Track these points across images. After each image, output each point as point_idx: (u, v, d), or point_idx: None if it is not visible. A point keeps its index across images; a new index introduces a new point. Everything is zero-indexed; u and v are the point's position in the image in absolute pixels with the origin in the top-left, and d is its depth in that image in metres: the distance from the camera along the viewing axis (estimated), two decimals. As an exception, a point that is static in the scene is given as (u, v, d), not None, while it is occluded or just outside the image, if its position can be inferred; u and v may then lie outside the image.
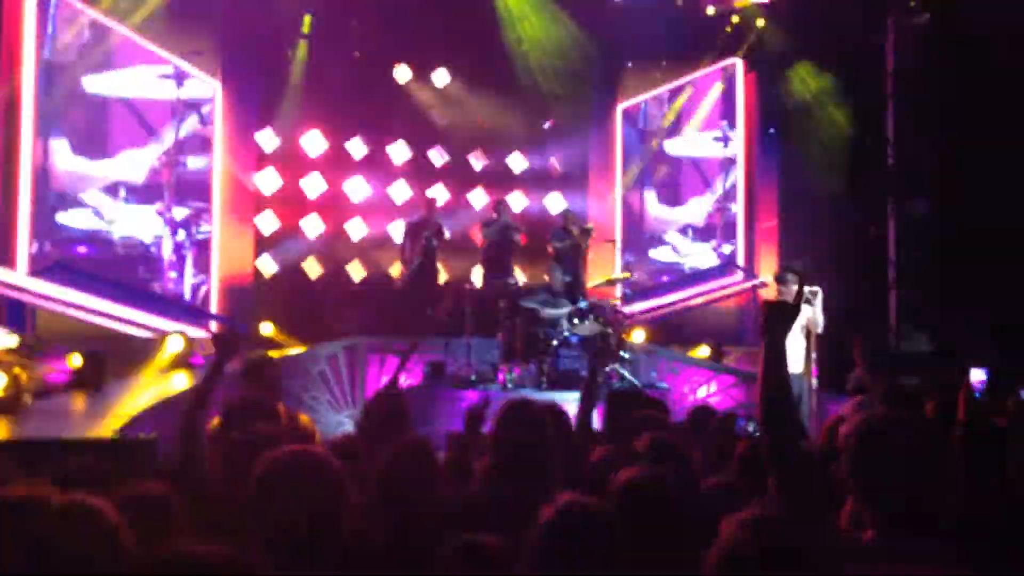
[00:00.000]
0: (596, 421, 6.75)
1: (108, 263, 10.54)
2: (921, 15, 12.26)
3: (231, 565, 1.68)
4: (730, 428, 4.27)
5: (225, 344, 3.55)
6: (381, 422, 3.77)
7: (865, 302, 11.84)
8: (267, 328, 11.04)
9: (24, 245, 9.48)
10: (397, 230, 12.32)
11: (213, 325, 10.94)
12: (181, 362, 9.48)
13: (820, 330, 8.37)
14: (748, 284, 13.43)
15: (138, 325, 10.32)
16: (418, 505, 2.90)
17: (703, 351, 12.06)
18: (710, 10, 13.47)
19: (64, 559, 1.65)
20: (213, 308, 11.46)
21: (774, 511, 2.15)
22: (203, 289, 11.46)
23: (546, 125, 13.66)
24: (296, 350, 10.34)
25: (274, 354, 4.92)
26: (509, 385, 9.65)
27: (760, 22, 13.60)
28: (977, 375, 8.38)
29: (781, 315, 2.99)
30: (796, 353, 8.31)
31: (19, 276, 9.41)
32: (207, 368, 3.56)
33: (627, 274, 12.11)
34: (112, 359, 9.11)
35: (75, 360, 8.78)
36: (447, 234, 11.80)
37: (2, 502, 1.71)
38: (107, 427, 7.20)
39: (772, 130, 13.75)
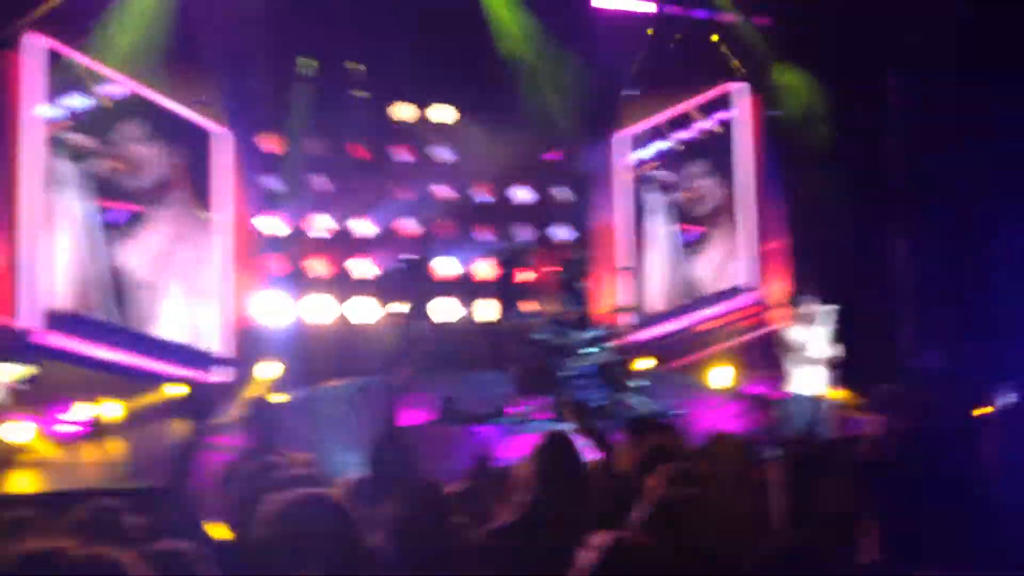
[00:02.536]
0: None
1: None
2: (917, 36, 12.29)
3: None
4: (751, 453, 4.21)
5: (204, 399, 3.52)
6: (388, 464, 3.73)
7: (880, 319, 11.77)
8: (273, 370, 10.99)
9: (31, 298, 9.48)
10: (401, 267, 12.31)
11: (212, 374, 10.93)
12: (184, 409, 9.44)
13: (834, 351, 8.32)
14: (758, 308, 13.35)
15: (145, 372, 10.29)
16: (433, 547, 2.85)
17: (716, 374, 12.00)
18: (712, 35, 13.53)
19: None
20: (222, 352, 11.41)
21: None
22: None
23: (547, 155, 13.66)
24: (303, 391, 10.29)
25: (276, 398, 4.88)
26: (522, 419, 9.58)
27: (761, 45, 13.64)
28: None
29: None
30: (812, 375, 8.25)
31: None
32: (194, 426, 3.52)
33: (633, 306, 12.06)
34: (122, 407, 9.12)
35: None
36: (448, 268, 11.79)
37: (21, 556, 1.68)
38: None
39: (782, 143, 13.75)
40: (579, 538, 2.24)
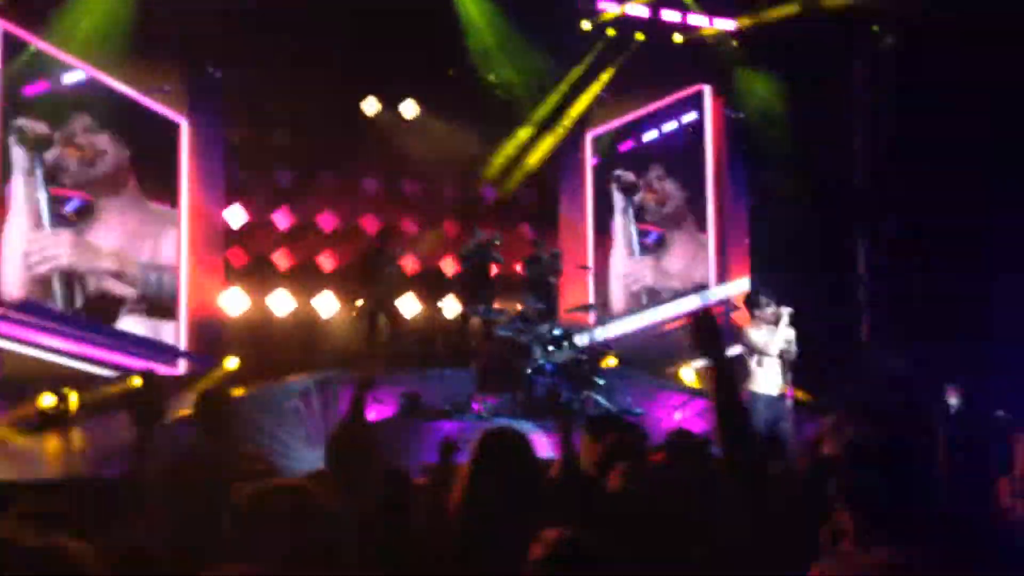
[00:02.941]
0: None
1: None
2: (887, 39, 12.45)
3: None
4: (707, 452, 4.22)
5: (149, 388, 3.46)
6: (348, 456, 3.69)
7: (838, 322, 11.91)
8: (232, 363, 10.90)
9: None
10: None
11: (172, 366, 10.82)
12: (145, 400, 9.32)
13: (794, 351, 8.40)
14: (721, 307, 13.46)
15: (105, 363, 10.17)
16: (399, 536, 2.83)
17: (686, 373, 12.11)
18: (677, 38, 13.61)
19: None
20: (182, 345, 11.29)
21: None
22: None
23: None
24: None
25: (238, 391, 4.83)
26: (484, 415, 9.58)
27: (727, 48, 13.76)
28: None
29: (708, 333, 2.99)
30: (772, 375, 8.33)
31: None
32: (141, 416, 3.47)
33: (592, 305, 12.10)
34: (79, 399, 9.01)
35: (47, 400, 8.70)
36: (409, 263, 11.75)
37: None
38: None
39: (744, 147, 13.90)
40: (526, 533, 2.24)
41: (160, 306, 11.06)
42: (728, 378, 2.84)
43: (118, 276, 10.67)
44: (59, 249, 10.17)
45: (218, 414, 4.38)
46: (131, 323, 10.75)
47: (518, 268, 12.17)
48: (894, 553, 2.31)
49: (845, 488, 2.46)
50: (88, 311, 10.32)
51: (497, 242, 11.65)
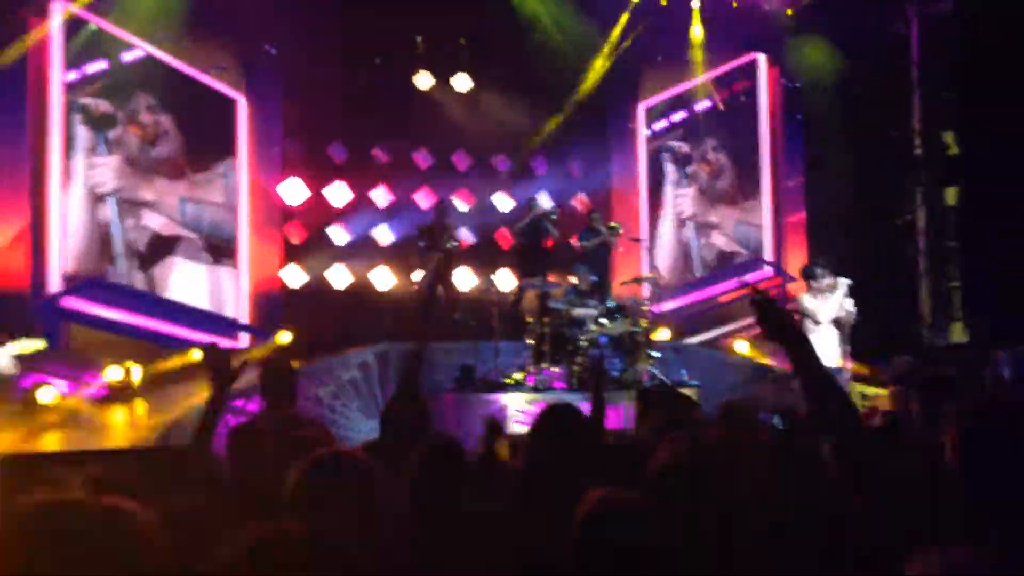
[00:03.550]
0: (627, 420, 6.73)
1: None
2: (944, 2, 12.14)
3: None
4: (754, 420, 4.22)
5: (215, 366, 3.54)
6: (401, 427, 3.77)
7: (897, 293, 11.72)
8: (285, 337, 11.08)
9: (56, 263, 9.60)
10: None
11: (233, 340, 11.04)
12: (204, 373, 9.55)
13: (852, 321, 8.31)
14: (778, 279, 13.34)
15: (169, 337, 10.42)
16: (450, 506, 2.89)
17: (740, 346, 12.03)
18: (734, 4, 13.40)
19: (97, 560, 1.65)
20: (244, 319, 11.52)
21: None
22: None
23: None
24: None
25: (295, 363, 4.94)
26: (539, 387, 9.64)
27: (783, 17, 13.53)
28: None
29: (776, 317, 2.83)
30: (827, 345, 8.25)
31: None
32: (210, 392, 3.57)
33: (654, 275, 12.03)
34: (144, 372, 9.28)
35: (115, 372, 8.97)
36: (463, 237, 11.82)
37: (35, 506, 1.72)
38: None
39: (799, 116, 13.69)
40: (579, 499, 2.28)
41: (218, 248, 11.30)
42: (806, 357, 2.67)
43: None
44: (124, 226, 10.40)
45: (280, 384, 4.46)
46: (189, 268, 10.95)
47: (574, 241, 12.16)
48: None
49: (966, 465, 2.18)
50: (144, 260, 10.54)
51: (554, 216, 11.66)
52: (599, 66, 13.31)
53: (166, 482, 3.43)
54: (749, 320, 13.32)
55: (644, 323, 10.33)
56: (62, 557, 1.62)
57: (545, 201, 12.99)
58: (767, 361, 11.74)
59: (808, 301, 8.38)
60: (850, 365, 8.56)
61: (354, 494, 2.37)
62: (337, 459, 2.47)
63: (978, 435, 2.20)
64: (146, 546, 1.68)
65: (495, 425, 4.10)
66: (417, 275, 11.40)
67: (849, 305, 8.28)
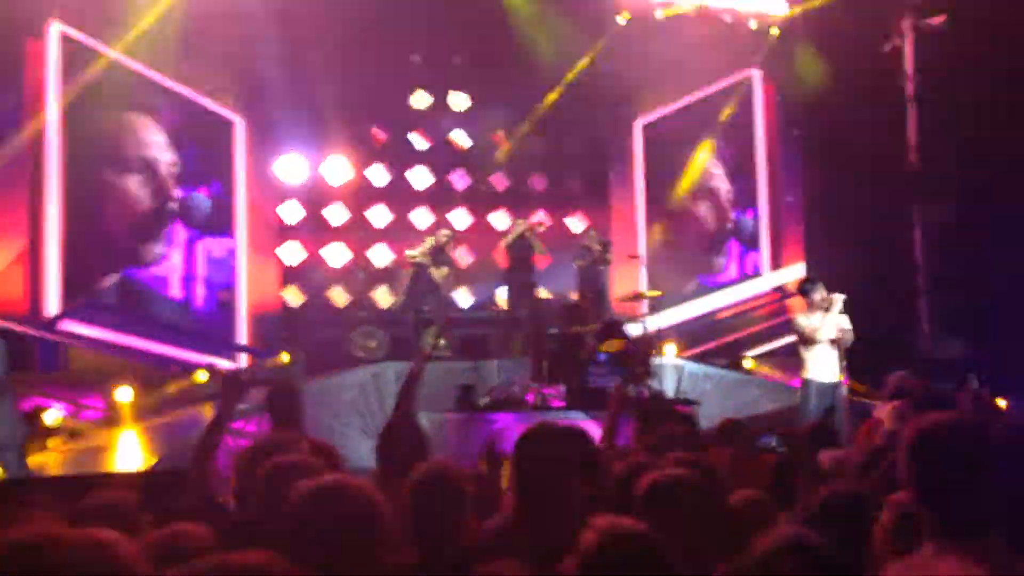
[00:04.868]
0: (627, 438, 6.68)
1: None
2: (937, 16, 12.18)
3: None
4: (751, 442, 4.23)
5: (231, 386, 3.56)
6: (398, 451, 3.76)
7: (894, 308, 11.72)
8: (285, 358, 11.10)
9: (54, 286, 9.61)
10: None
11: (231, 360, 11.04)
12: (210, 394, 9.56)
13: (849, 338, 8.28)
14: (776, 294, 13.34)
15: (167, 358, 10.41)
16: (447, 533, 2.86)
17: (744, 363, 12.05)
18: (726, 19, 13.46)
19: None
20: (242, 339, 11.52)
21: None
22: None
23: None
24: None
25: (295, 384, 4.96)
26: (538, 405, 9.61)
27: (775, 31, 13.59)
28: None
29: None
30: (825, 363, 8.23)
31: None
32: (216, 410, 3.57)
33: (657, 292, 11.96)
34: (144, 393, 9.26)
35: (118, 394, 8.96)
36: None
37: (8, 545, 1.68)
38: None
39: (797, 132, 13.74)
40: (579, 523, 2.26)
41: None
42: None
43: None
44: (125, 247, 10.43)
45: (288, 405, 4.47)
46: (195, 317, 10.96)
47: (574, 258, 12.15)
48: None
49: (917, 481, 2.29)
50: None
51: (540, 230, 11.65)
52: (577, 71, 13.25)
53: (165, 505, 3.42)
54: (749, 334, 13.39)
55: (641, 339, 10.32)
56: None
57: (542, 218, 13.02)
58: (772, 376, 11.73)
59: (804, 321, 8.36)
60: (847, 382, 8.53)
61: (355, 524, 2.36)
62: (340, 488, 2.45)
63: (920, 451, 2.27)
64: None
65: (493, 449, 4.08)
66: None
67: (844, 322, 8.25)
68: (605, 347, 10.01)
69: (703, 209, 14.27)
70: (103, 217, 10.33)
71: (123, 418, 9.03)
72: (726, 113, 13.98)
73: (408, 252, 11.30)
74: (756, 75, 14.04)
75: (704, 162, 14.04)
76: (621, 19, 13.15)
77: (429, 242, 11.24)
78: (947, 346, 11.51)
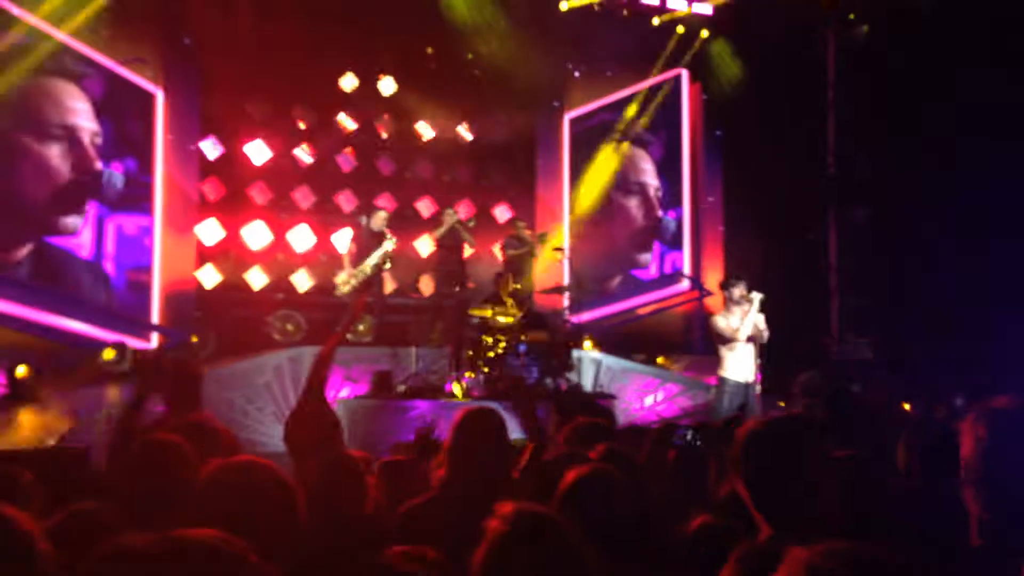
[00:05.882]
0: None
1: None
2: (859, 28, 12.48)
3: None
4: (668, 438, 4.26)
5: (150, 369, 3.47)
6: (305, 434, 3.69)
7: (808, 309, 11.98)
8: (197, 338, 10.85)
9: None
10: (343, 239, 12.16)
11: (143, 340, 10.76)
12: (118, 373, 9.29)
13: (765, 337, 8.45)
14: (695, 293, 13.52)
15: (77, 335, 10.09)
16: (350, 520, 2.82)
17: (652, 358, 12.17)
18: (655, 20, 13.58)
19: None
20: (155, 319, 11.22)
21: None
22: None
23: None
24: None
25: (206, 367, 4.81)
26: (457, 395, 9.59)
27: (704, 32, 13.77)
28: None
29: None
30: (743, 361, 8.38)
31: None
32: (135, 392, 3.47)
33: (573, 286, 12.04)
34: (51, 371, 8.94)
35: (19, 371, 8.63)
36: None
37: None
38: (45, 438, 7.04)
39: (719, 133, 13.95)
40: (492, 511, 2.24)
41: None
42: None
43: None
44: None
45: (186, 388, 4.35)
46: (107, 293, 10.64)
47: (495, 249, 12.15)
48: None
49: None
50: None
51: (471, 223, 11.64)
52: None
53: (63, 485, 3.31)
54: (666, 331, 13.57)
55: (562, 332, 10.37)
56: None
57: (462, 210, 12.96)
58: (681, 372, 11.91)
59: (721, 322, 8.49)
60: (760, 379, 8.71)
61: (261, 503, 2.31)
62: (244, 468, 2.40)
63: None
64: (26, 554, 1.61)
65: (427, 436, 4.03)
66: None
67: (761, 321, 8.41)
68: (529, 337, 10.04)
69: (633, 204, 14.40)
70: (20, 182, 9.92)
71: (24, 395, 8.72)
72: (650, 111, 14.13)
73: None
74: (683, 74, 14.20)
75: (621, 159, 14.16)
76: (564, 5, 13.13)
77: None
78: (856, 348, 11.82)
